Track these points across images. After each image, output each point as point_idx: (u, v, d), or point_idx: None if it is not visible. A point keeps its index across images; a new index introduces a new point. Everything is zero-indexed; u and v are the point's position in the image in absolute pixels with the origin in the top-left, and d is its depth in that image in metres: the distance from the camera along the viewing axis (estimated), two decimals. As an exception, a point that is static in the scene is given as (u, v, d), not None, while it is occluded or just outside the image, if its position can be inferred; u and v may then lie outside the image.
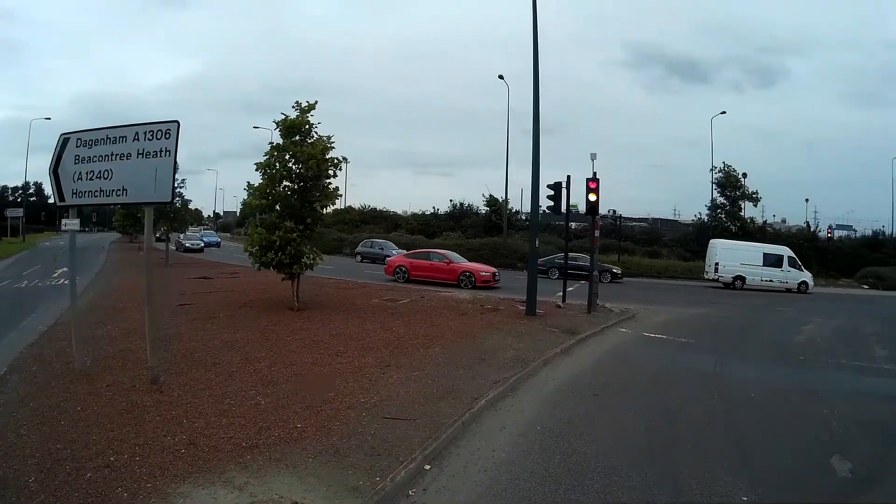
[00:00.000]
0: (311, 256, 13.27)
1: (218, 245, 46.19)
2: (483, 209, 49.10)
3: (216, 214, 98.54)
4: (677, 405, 7.99)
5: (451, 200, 52.14)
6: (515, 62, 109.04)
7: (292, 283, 13.47)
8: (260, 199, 13.01)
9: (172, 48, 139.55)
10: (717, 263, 28.13)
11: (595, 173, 16.22)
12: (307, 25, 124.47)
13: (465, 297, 17.88)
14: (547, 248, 37.80)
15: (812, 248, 40.59)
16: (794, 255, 29.18)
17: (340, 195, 13.99)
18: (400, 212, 54.94)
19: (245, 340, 10.20)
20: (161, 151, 7.48)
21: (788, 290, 27.95)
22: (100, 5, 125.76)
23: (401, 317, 13.37)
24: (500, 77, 40.48)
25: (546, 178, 17.05)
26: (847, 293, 31.16)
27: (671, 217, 65.60)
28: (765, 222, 44.51)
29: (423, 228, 48.84)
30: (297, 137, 12.95)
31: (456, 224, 48.71)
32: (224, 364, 8.58)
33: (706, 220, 44.96)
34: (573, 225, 50.96)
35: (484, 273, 22.59)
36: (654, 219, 62.46)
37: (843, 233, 48.60)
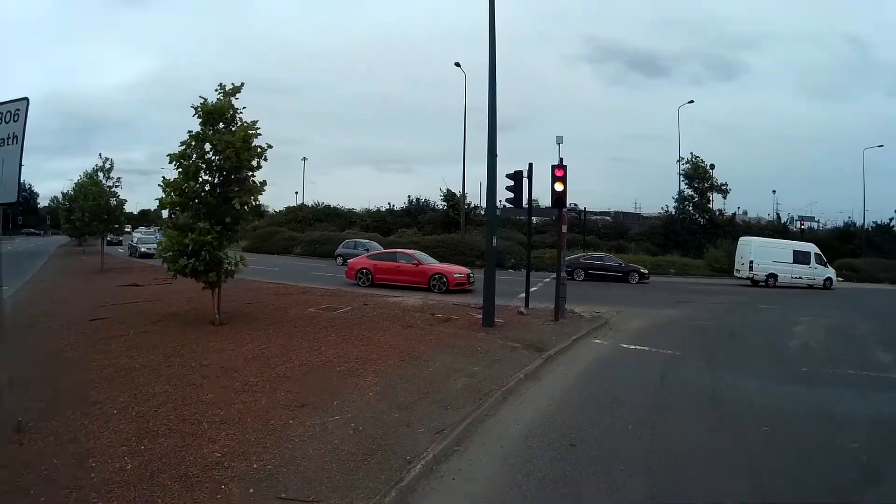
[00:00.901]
0: (233, 261, 11.79)
1: None
2: (440, 205, 47.45)
3: (171, 214, 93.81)
4: (680, 453, 6.13)
5: (409, 196, 50.27)
6: (475, 57, 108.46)
7: (213, 293, 11.90)
8: (173, 197, 11.49)
9: (133, 47, 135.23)
10: (752, 262, 28.26)
11: (562, 160, 14.51)
12: (265, 23, 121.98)
13: (415, 303, 15.97)
14: (507, 245, 36.31)
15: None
16: (819, 252, 29.32)
17: (264, 190, 12.24)
18: (356, 209, 53.86)
19: (145, 367, 8.54)
20: (8, 139, 6.14)
21: (811, 287, 28.16)
22: (58, 4, 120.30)
23: (335, 331, 11.43)
24: (457, 64, 38.46)
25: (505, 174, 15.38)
26: (842, 287, 30.64)
27: (633, 211, 66.12)
28: (734, 214, 44.08)
29: (378, 225, 47.63)
30: (222, 125, 11.59)
31: (412, 220, 47.54)
32: (106, 404, 6.89)
33: (673, 212, 44.20)
34: (535, 220, 50.22)
35: (458, 275, 20.77)
36: (616, 212, 62.20)
37: (807, 224, 48.46)
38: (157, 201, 11.89)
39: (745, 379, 9.60)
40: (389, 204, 51.68)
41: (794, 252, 28.73)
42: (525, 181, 15.49)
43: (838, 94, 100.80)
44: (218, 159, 11.43)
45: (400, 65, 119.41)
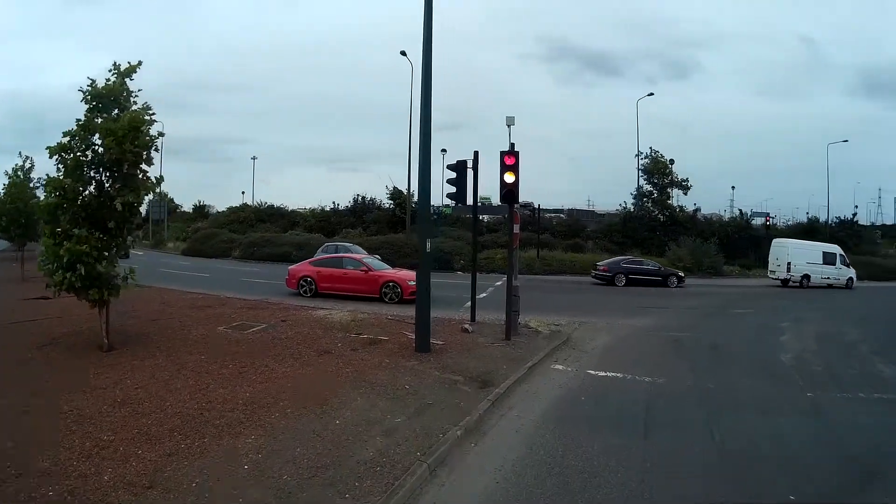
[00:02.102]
0: (121, 275, 10.12)
1: (126, 254, 37.38)
2: (387, 203, 45.22)
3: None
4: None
5: (354, 195, 47.89)
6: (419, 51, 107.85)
7: (100, 312, 10.14)
8: (51, 198, 9.78)
9: (89, 45, 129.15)
10: (789, 263, 29.29)
11: (512, 145, 12.24)
12: (219, 22, 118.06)
13: (342, 318, 13.70)
14: (455, 245, 34.32)
15: (747, 237, 39.80)
16: (843, 253, 30.79)
17: (156, 188, 10.55)
18: (299, 209, 51.19)
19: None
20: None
21: (830, 286, 29.14)
22: (9, 2, 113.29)
23: (235, 360, 9.42)
24: (403, 53, 36.03)
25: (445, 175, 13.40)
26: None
27: (588, 208, 65.53)
28: (695, 211, 43.02)
29: (322, 226, 45.15)
30: (116, 112, 9.92)
31: (357, 220, 45.09)
32: None
33: (632, 209, 43.03)
34: (486, 218, 48.39)
35: (413, 282, 18.19)
36: (571, 209, 61.21)
37: (761, 220, 48.36)
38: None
39: (746, 416, 7.80)
40: (334, 203, 48.95)
41: (823, 253, 30.09)
42: (469, 172, 13.41)
43: (792, 92, 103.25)
44: (109, 153, 9.72)
45: (350, 61, 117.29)
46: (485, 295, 20.14)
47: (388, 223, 42.56)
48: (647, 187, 43.05)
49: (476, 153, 13.54)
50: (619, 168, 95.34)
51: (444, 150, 36.91)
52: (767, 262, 31.56)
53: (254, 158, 61.39)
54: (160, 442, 6.00)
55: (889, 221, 58.03)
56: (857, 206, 51.98)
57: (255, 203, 53.31)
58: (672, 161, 42.53)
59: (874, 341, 14.08)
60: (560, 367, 10.18)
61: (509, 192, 11.57)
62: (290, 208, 51.05)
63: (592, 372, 9.84)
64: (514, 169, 11.58)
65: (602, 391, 8.82)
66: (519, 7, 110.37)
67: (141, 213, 11.07)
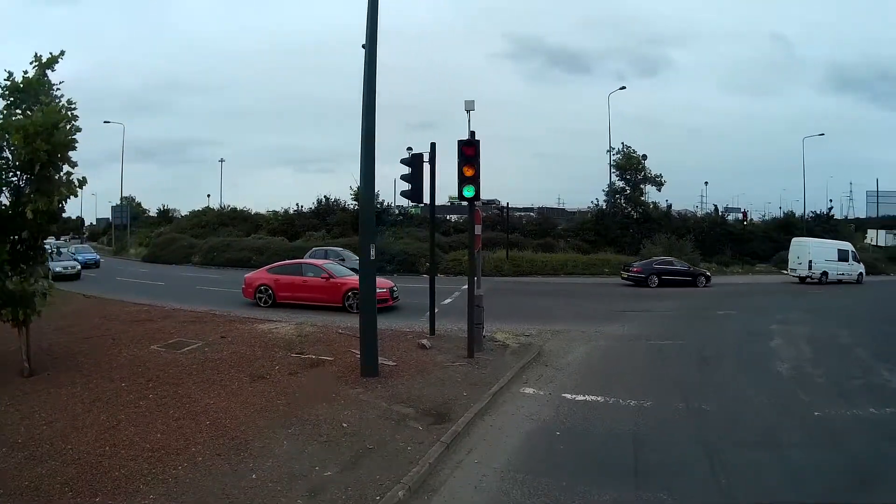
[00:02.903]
0: (39, 291, 8.95)
1: (97, 264, 35.05)
2: (351, 204, 43.75)
3: (80, 220, 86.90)
4: None
5: (320, 195, 46.38)
6: (397, 56, 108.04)
7: (19, 333, 9.17)
8: None
9: (57, 46, 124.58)
10: (811, 261, 30.11)
11: (473, 133, 10.92)
12: (189, 22, 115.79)
13: (287, 333, 12.41)
14: (420, 247, 32.96)
15: (723, 233, 39.35)
16: (854, 250, 32.18)
17: (76, 192, 9.23)
18: (266, 211, 49.99)
19: None
20: None
21: (840, 281, 30.22)
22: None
23: (158, 387, 8.37)
24: (364, 47, 34.36)
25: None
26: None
27: (558, 206, 64.94)
28: (669, 207, 42.45)
29: (285, 229, 43.85)
30: (38, 106, 8.91)
31: (321, 222, 43.63)
32: None
33: (604, 206, 42.27)
34: (454, 218, 47.32)
35: (378, 290, 16.88)
36: (541, 208, 60.42)
37: (735, 216, 48.25)
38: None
39: (753, 451, 6.57)
40: (298, 205, 47.61)
41: (838, 251, 31.14)
42: (426, 167, 12.10)
43: (763, 89, 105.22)
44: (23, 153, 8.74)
45: (321, 61, 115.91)
46: (450, 300, 18.88)
47: (352, 225, 41.15)
48: (620, 184, 42.34)
49: (433, 145, 12.31)
50: (591, 166, 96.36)
51: (409, 149, 35.45)
52: (744, 258, 32.45)
53: (221, 161, 60.59)
54: (48, 501, 5.10)
55: (861, 215, 58.49)
56: (831, 201, 52.34)
57: (218, 206, 52.53)
58: (645, 157, 41.95)
59: (872, 344, 13.18)
60: (531, 390, 8.85)
61: (469, 187, 10.22)
62: (253, 211, 50.06)
63: (569, 396, 8.53)
64: (474, 162, 10.21)
65: (581, 422, 7.51)
66: (487, 5, 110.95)
67: (59, 220, 9.80)
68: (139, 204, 69.49)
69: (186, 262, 38.05)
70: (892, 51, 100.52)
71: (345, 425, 6.92)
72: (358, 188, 41.34)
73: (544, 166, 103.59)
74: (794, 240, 32.66)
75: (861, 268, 31.62)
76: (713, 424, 7.42)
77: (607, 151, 41.99)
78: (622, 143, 42.56)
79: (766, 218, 45.99)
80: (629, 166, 41.50)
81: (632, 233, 39.21)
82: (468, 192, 10.02)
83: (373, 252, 8.86)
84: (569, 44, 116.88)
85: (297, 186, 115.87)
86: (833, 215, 44.85)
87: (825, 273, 30.03)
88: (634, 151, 41.91)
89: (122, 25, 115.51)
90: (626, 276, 27.62)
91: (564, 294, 23.48)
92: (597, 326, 14.69)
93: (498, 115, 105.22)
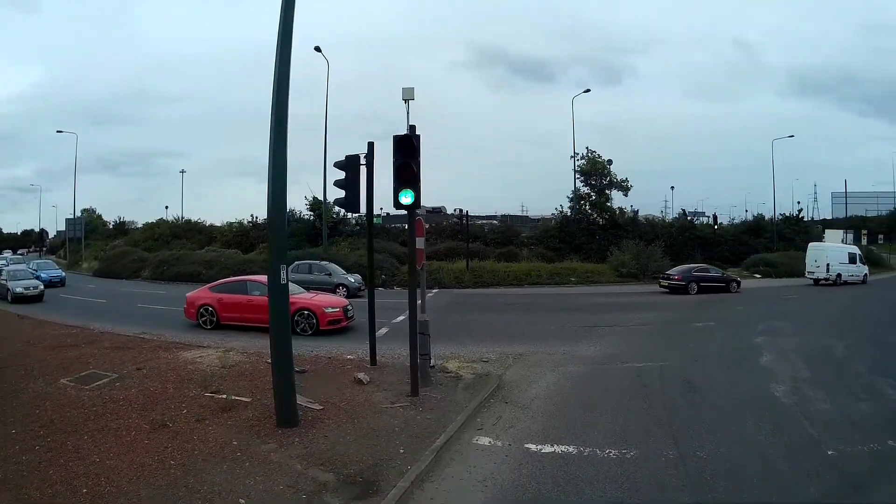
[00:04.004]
0: None
1: (62, 282, 31.79)
2: (307, 214, 41.99)
3: (42, 232, 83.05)
4: None
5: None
6: (360, 66, 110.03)
7: None
8: None
9: (19, 58, 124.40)
10: (828, 264, 32.05)
11: (413, 128, 9.35)
12: (153, 32, 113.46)
13: (210, 366, 10.86)
14: (376, 259, 31.22)
15: (692, 237, 38.82)
16: (861, 253, 34.59)
17: None
18: (223, 223, 48.43)
19: None
20: None
21: (845, 283, 32.02)
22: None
23: (49, 436, 7.16)
24: (317, 49, 32.66)
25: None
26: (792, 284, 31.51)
27: (522, 214, 65.51)
28: (636, 212, 41.67)
29: (240, 241, 42.47)
30: None
31: None
32: None
33: (569, 212, 41.31)
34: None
35: (330, 309, 15.53)
36: (504, 216, 59.66)
37: (698, 220, 48.14)
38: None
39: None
40: (253, 216, 45.61)
41: (848, 254, 33.42)
42: (363, 170, 10.49)
43: (726, 94, 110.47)
44: None
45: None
46: (401, 319, 17.31)
47: (307, 235, 39.48)
48: (585, 189, 41.44)
49: (370, 144, 10.71)
50: (555, 174, 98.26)
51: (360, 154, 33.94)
52: (714, 263, 31.97)
53: (182, 171, 59.51)
54: None
55: (827, 216, 59.51)
56: (799, 202, 53.03)
57: (173, 218, 51.57)
58: (610, 161, 41.16)
59: (864, 353, 12.23)
60: (486, 440, 7.21)
61: (407, 191, 8.61)
62: (208, 223, 49.08)
63: (534, 447, 6.91)
64: (413, 162, 8.63)
65: (550, 488, 5.88)
66: (449, 14, 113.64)
67: None
68: (99, 216, 68.37)
69: (137, 277, 36.54)
70: (857, 55, 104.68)
71: (242, 502, 5.28)
72: (314, 199, 39.85)
73: (508, 175, 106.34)
74: (812, 245, 34.70)
75: (865, 269, 33.91)
76: (713, 482, 5.94)
77: (571, 157, 41.12)
78: (586, 147, 41.74)
79: (736, 221, 45.99)
80: (594, 171, 40.62)
81: (598, 239, 38.36)
82: (406, 197, 8.42)
83: (283, 274, 7.14)
84: (532, 53, 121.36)
85: (258, 197, 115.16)
86: (803, 217, 45.33)
87: (839, 275, 31.99)
88: (599, 156, 41.10)
89: (85, 37, 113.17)
90: (665, 284, 27.68)
91: (528, 307, 21.95)
92: (565, 346, 13.25)
93: (460, 124, 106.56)
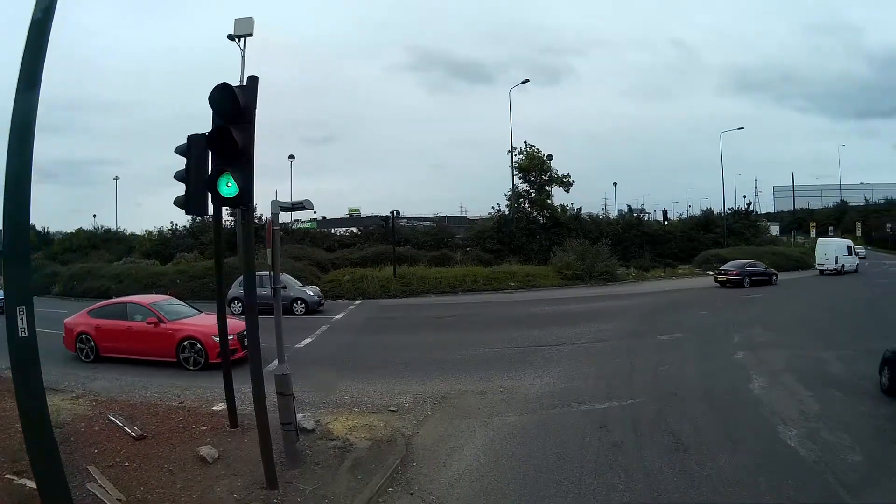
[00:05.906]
0: None
1: None
2: (229, 220, 38.69)
3: None
4: None
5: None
6: (295, 71, 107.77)
7: None
8: None
9: None
10: (836, 257, 36.54)
11: (254, 80, 6.33)
12: (92, 38, 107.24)
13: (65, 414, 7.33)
14: (297, 266, 28.14)
15: (639, 235, 37.61)
16: (853, 245, 39.32)
17: None
18: (139, 232, 45.75)
19: None
20: None
21: (838, 273, 35.92)
22: None
23: None
24: (231, 37, 29.31)
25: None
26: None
27: (460, 214, 64.39)
28: (579, 210, 40.00)
29: (159, 250, 39.61)
30: None
31: (195, 241, 38.98)
32: None
33: (507, 211, 38.89)
34: (339, 231, 42.85)
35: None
36: (441, 217, 57.88)
37: (646, 216, 47.59)
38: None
39: None
40: (173, 224, 42.47)
41: (847, 247, 38.05)
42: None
43: (664, 93, 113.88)
44: None
45: (220, 77, 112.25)
46: (311, 339, 14.36)
47: (229, 243, 35.95)
48: (524, 186, 39.15)
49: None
50: (495, 172, 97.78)
51: (291, 157, 31.22)
52: (664, 261, 34.13)
53: (116, 178, 58.90)
54: None
55: (770, 209, 61.10)
56: (745, 196, 53.42)
57: (92, 227, 47.72)
58: (550, 157, 38.97)
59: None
60: None
61: (227, 176, 5.55)
62: (128, 231, 46.89)
63: None
64: (236, 122, 5.61)
65: None
66: (387, 17, 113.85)
67: None
68: (33, 227, 62.68)
69: (47, 293, 32.27)
70: (794, 54, 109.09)
71: None
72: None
73: (446, 176, 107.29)
74: (820, 240, 40.78)
75: (857, 259, 38.96)
76: None
77: (509, 152, 38.62)
78: (524, 142, 39.23)
79: (684, 217, 45.52)
80: (533, 167, 38.30)
81: (539, 239, 36.32)
82: (227, 184, 5.43)
83: (22, 321, 4.10)
84: (469, 55, 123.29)
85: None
86: (752, 211, 45.77)
87: (843, 265, 36.53)
88: (538, 151, 38.81)
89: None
90: (722, 279, 29.14)
91: (460, 322, 18.94)
92: (502, 380, 10.48)
93: (399, 126, 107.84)
